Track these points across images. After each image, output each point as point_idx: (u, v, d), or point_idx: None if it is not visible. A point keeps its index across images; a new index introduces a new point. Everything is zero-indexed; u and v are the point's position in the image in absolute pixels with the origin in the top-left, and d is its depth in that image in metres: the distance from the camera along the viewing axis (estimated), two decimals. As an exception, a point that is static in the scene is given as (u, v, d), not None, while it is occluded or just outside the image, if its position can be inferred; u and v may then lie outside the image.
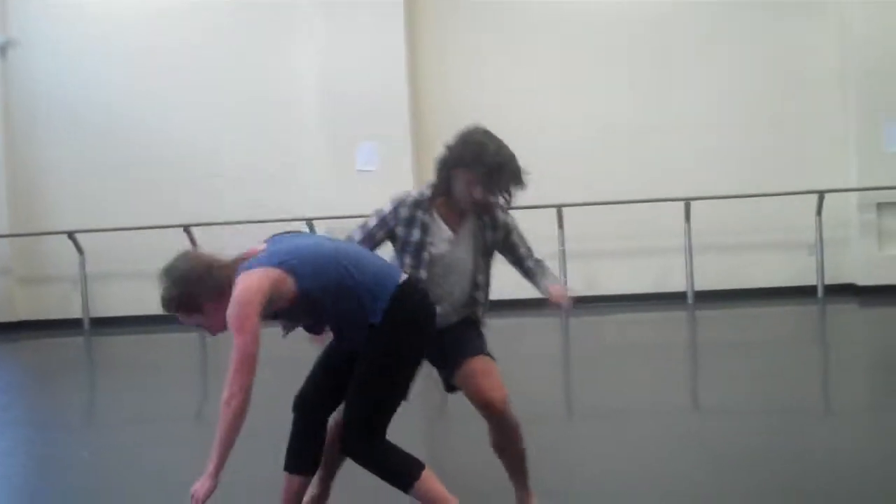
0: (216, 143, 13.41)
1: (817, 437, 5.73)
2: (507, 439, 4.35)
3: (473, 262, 4.43)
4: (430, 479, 3.86)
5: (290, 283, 3.80)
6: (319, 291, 3.83)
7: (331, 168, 12.94)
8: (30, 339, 12.98)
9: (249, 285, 3.75)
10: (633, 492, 4.75)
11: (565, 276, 12.65)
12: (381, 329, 3.86)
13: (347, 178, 12.78)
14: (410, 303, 3.94)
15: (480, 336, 4.47)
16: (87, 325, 13.34)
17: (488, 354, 4.36)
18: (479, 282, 4.48)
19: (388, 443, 3.87)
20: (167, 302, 3.95)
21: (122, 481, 5.08)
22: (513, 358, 9.47)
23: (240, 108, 13.44)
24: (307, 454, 4.08)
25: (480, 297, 4.50)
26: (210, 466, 3.69)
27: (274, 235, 4.08)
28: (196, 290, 3.87)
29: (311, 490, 4.26)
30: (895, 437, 5.70)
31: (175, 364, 10.62)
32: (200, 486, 3.69)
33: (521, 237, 4.70)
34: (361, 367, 3.90)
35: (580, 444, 5.87)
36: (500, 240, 4.56)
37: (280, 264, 3.81)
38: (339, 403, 4.07)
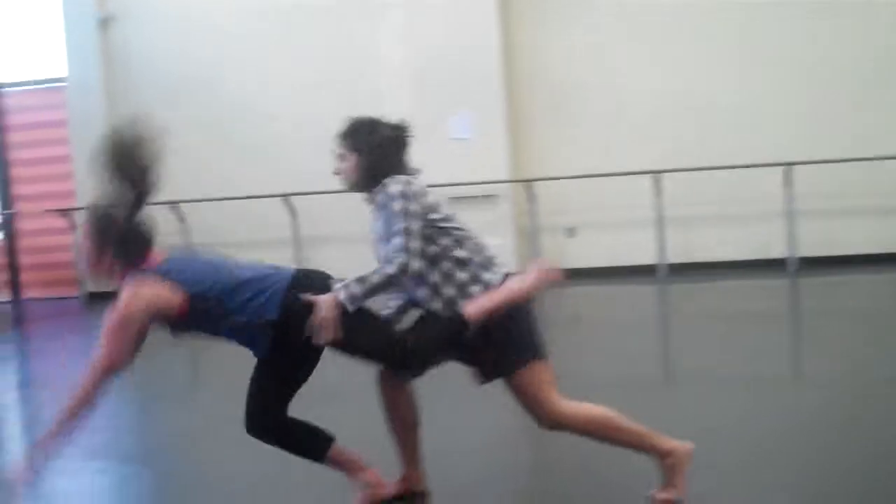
0: (310, 113, 13.52)
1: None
2: None
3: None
4: (339, 450, 4.02)
5: (175, 295, 3.84)
6: (203, 296, 3.85)
7: (424, 136, 12.92)
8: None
9: (137, 294, 3.81)
10: (733, 459, 4.70)
11: (663, 243, 12.55)
12: (282, 325, 3.86)
13: (440, 146, 12.81)
14: (310, 289, 3.90)
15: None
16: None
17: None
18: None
19: (292, 419, 3.98)
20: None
21: (230, 448, 5.16)
22: (610, 325, 9.50)
23: (333, 76, 13.54)
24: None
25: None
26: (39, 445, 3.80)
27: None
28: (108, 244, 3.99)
29: (404, 471, 4.32)
30: None
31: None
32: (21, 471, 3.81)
33: (395, 220, 4.02)
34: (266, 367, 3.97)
35: (679, 410, 5.83)
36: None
37: (163, 275, 3.88)
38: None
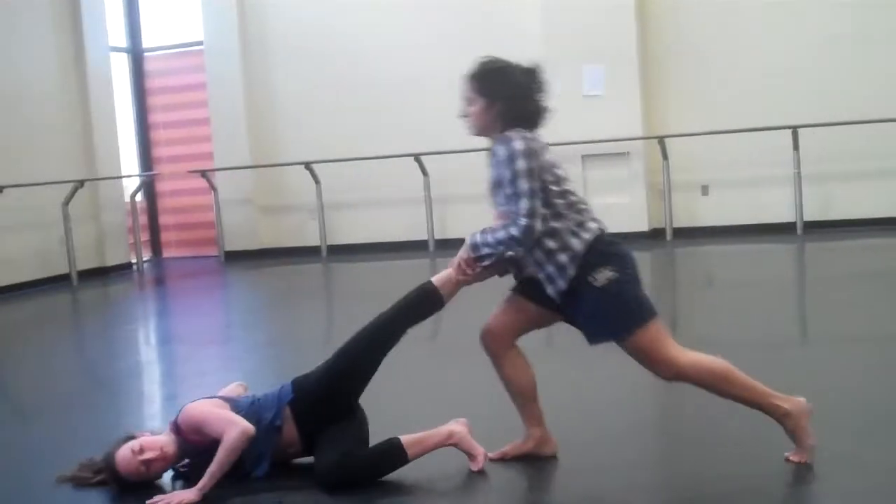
0: (442, 72, 13.52)
1: None
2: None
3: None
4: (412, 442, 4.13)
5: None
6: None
7: (556, 92, 12.83)
8: (271, 265, 13.61)
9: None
10: (867, 420, 4.60)
11: (800, 200, 12.25)
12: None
13: (573, 102, 12.70)
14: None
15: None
16: (324, 252, 13.87)
17: None
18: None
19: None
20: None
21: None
22: (743, 285, 9.34)
23: (463, 35, 13.51)
24: None
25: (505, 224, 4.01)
26: (202, 482, 3.98)
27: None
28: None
29: (531, 433, 4.30)
30: None
31: (404, 288, 10.93)
32: (185, 494, 3.96)
33: (512, 180, 3.97)
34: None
35: (812, 371, 5.71)
36: (495, 179, 4.09)
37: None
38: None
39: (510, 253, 4.04)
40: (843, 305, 7.80)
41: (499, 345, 4.22)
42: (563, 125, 12.67)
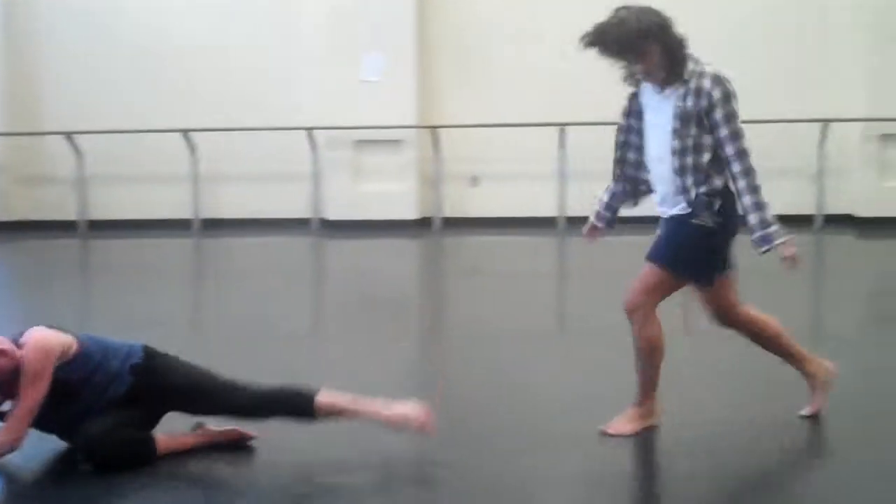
0: (218, 49, 13.23)
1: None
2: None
3: (671, 128, 4.28)
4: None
5: (71, 342, 4.09)
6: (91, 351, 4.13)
7: (333, 77, 12.80)
8: (27, 238, 12.95)
9: (47, 336, 4.03)
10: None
11: (563, 196, 12.62)
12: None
13: (349, 88, 12.67)
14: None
15: (667, 242, 4.40)
16: (83, 227, 13.32)
17: (657, 261, 4.38)
18: (676, 148, 4.28)
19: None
20: None
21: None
22: (507, 275, 9.55)
23: (242, 13, 13.26)
24: None
25: (688, 180, 4.27)
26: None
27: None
28: None
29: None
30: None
31: (170, 269, 10.65)
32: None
33: (728, 120, 4.21)
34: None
35: (568, 360, 5.88)
36: (702, 111, 4.22)
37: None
38: None
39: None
40: (599, 298, 8.07)
41: (638, 308, 4.41)
42: (338, 110, 12.74)
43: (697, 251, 4.31)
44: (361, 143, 12.89)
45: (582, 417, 4.62)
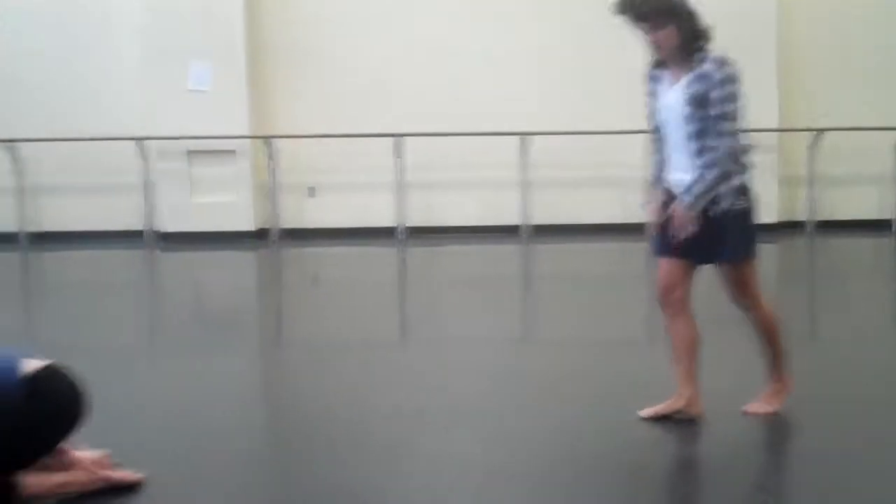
0: (43, 56, 12.75)
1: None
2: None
3: (684, 114, 4.39)
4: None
5: None
6: None
7: (160, 86, 12.47)
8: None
9: None
10: (457, 414, 4.77)
11: (402, 206, 12.65)
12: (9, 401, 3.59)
13: (178, 96, 12.39)
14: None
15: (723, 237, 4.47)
16: (22, 240, 12.62)
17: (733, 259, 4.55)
18: (691, 133, 4.38)
19: None
20: None
21: None
22: (347, 286, 9.52)
23: (57, 14, 12.77)
24: None
25: (705, 159, 4.35)
26: None
27: None
28: None
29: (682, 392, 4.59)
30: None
31: (116, 282, 10.27)
32: None
33: (724, 101, 4.33)
34: None
35: (410, 368, 5.87)
36: (701, 94, 4.34)
37: None
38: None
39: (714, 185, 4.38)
40: (440, 307, 8.11)
41: (675, 302, 4.60)
42: (168, 119, 12.43)
43: (748, 231, 4.54)
44: (194, 154, 12.63)
45: (419, 428, 4.61)
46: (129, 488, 3.82)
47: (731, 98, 4.34)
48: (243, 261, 11.93)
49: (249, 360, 6.67)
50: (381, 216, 12.89)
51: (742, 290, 4.61)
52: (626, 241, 11.40)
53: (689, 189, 4.40)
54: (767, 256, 9.73)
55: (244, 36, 12.65)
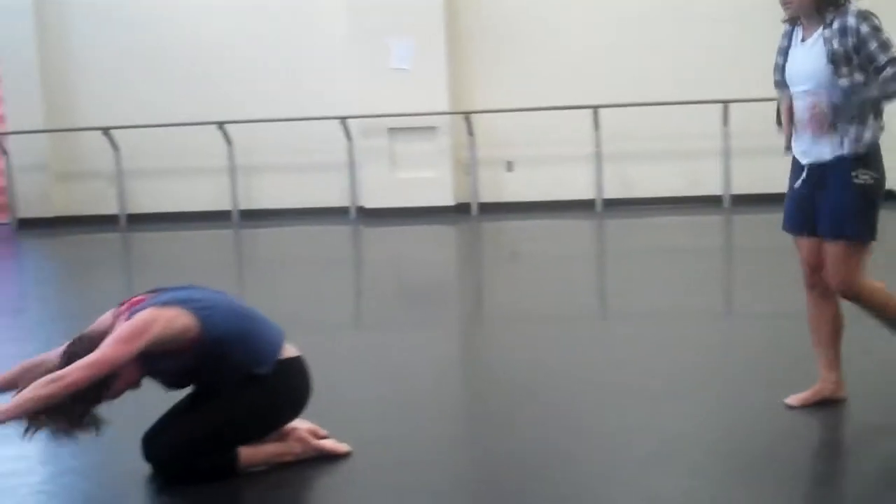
0: (249, 40, 13.29)
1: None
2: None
3: (815, 69, 4.19)
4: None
5: (191, 327, 3.72)
6: (222, 339, 3.76)
7: (363, 66, 12.82)
8: (66, 234, 13.10)
9: (144, 317, 3.67)
10: (663, 390, 4.77)
11: (600, 178, 12.62)
12: (265, 380, 3.83)
13: (380, 75, 12.69)
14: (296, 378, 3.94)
15: (836, 206, 4.23)
16: (122, 221, 13.45)
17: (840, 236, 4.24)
18: (820, 81, 4.19)
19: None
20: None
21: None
22: (546, 259, 9.56)
23: (270, 6, 13.29)
24: None
25: (842, 115, 4.15)
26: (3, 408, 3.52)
27: (158, 287, 3.98)
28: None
29: (829, 379, 4.45)
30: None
31: (211, 260, 10.73)
32: None
33: (884, 49, 4.07)
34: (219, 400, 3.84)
35: (612, 344, 5.89)
36: (850, 49, 4.11)
37: (180, 303, 3.76)
38: None
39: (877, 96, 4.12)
40: (639, 280, 8.07)
41: (816, 282, 4.42)
42: (371, 98, 12.76)
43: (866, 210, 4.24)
44: (396, 131, 12.91)
45: (627, 405, 4.63)
46: (338, 458, 4.00)
47: (890, 45, 4.08)
48: (443, 235, 12.13)
49: (451, 333, 6.82)
50: (579, 189, 12.88)
51: (847, 276, 4.25)
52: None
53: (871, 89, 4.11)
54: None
55: (444, 13, 12.83)
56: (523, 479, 3.76)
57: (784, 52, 4.41)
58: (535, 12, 12.97)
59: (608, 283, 8.69)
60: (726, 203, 12.40)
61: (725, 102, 12.22)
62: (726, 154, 12.39)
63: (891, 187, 4.46)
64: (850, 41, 4.11)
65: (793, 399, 4.46)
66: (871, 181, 4.18)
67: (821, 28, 4.21)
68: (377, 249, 11.61)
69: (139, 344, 3.62)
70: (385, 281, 9.14)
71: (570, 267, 9.12)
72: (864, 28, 4.09)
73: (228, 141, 13.18)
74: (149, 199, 13.59)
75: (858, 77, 4.12)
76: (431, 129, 12.84)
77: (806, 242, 4.42)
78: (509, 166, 13.24)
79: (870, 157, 4.18)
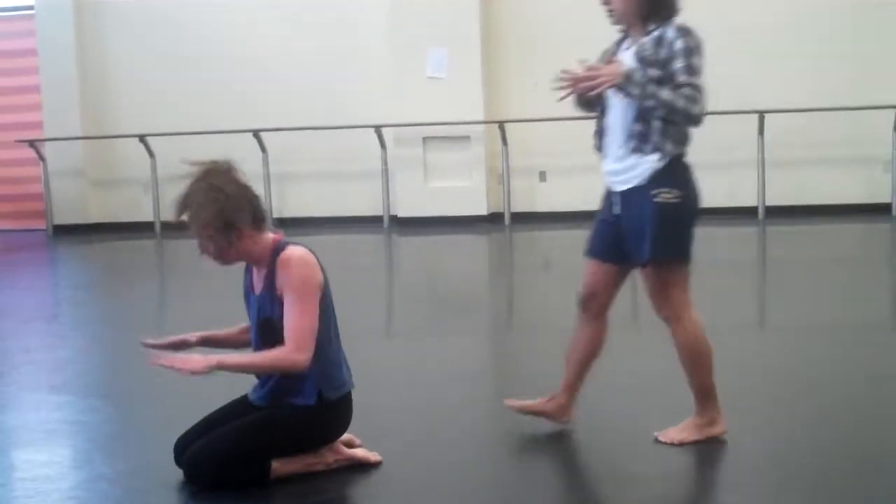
0: (285, 48, 13.36)
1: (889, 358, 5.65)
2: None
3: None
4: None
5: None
6: (321, 331, 3.79)
7: (399, 75, 12.86)
8: (102, 240, 13.21)
9: (312, 264, 3.77)
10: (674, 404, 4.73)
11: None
12: (307, 412, 3.79)
13: (416, 84, 12.72)
14: (345, 412, 3.92)
15: (639, 228, 4.05)
16: (158, 228, 13.54)
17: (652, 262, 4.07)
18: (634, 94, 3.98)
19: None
20: (202, 207, 3.94)
21: (196, 381, 5.18)
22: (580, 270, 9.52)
23: (309, 11, 13.35)
24: None
25: (644, 130, 4.02)
26: (218, 359, 3.68)
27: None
28: (241, 210, 3.88)
29: (559, 398, 4.32)
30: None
31: (240, 268, 10.76)
32: (196, 362, 3.65)
33: (689, 71, 3.90)
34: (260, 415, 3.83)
35: (640, 354, 5.85)
36: (661, 60, 3.95)
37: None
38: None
39: (651, 104, 3.94)
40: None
41: (597, 307, 4.32)
42: (406, 106, 12.79)
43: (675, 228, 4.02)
44: (430, 140, 12.93)
45: (656, 414, 4.60)
46: (369, 467, 3.99)
47: (698, 71, 3.91)
48: (476, 245, 12.13)
49: (483, 341, 6.82)
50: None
51: (662, 298, 4.11)
52: None
53: (644, 74, 3.92)
54: None
55: (479, 23, 12.84)
56: (558, 490, 3.74)
57: (605, 56, 4.26)
58: (570, 22, 12.91)
59: (640, 293, 8.63)
60: (761, 214, 12.32)
61: (761, 112, 12.14)
62: (762, 165, 12.31)
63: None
64: (663, 52, 3.94)
65: (511, 402, 4.36)
66: (675, 199, 3.99)
67: (637, 41, 4.06)
68: (410, 258, 11.62)
69: (317, 294, 3.74)
70: (418, 290, 9.15)
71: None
72: (680, 44, 3.93)
73: (263, 149, 13.24)
74: (183, 206, 13.65)
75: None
76: (465, 138, 12.85)
77: (593, 265, 4.31)
78: (542, 176, 13.22)
79: (672, 175, 4.00)
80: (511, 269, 10.61)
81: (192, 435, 3.90)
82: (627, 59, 4.05)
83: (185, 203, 3.83)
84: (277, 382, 3.83)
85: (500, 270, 10.59)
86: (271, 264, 3.81)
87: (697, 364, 4.11)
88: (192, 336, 3.95)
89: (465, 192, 12.88)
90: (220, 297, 8.77)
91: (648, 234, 3.99)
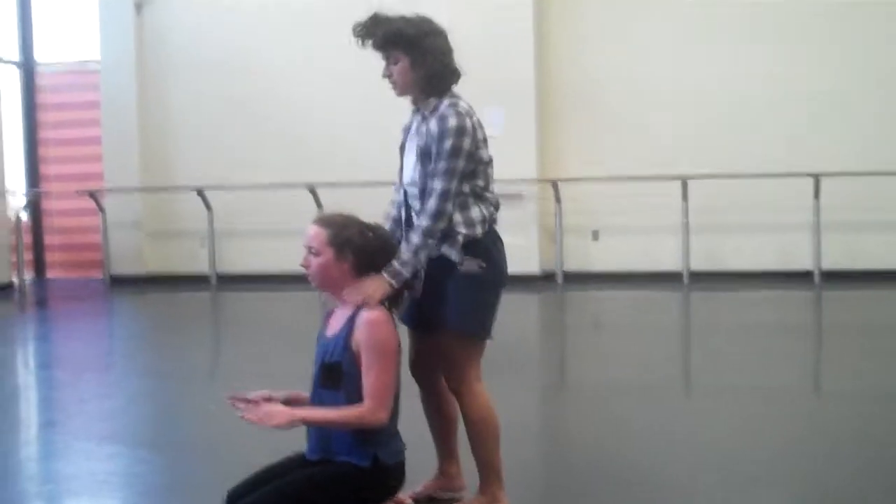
0: (340, 102, 13.51)
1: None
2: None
3: (408, 162, 4.00)
4: None
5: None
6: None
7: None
8: (157, 291, 13.35)
9: (393, 326, 3.72)
10: (749, 473, 4.68)
11: (687, 250, 12.49)
12: (360, 473, 3.73)
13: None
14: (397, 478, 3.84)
15: (441, 297, 3.92)
16: (213, 280, 13.67)
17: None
18: (415, 178, 3.94)
19: None
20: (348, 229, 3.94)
21: (246, 433, 5.21)
22: (630, 330, 9.48)
23: (360, 67, 13.46)
24: None
25: (422, 206, 3.90)
26: (302, 415, 3.66)
27: None
28: (373, 254, 3.89)
29: (445, 470, 4.28)
30: None
31: (294, 321, 10.84)
32: (278, 415, 3.63)
33: (442, 157, 3.84)
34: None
35: (695, 419, 5.80)
36: (427, 139, 3.91)
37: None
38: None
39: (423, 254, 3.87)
40: (725, 355, 7.95)
41: (428, 377, 4.18)
42: (460, 164, 12.85)
43: (473, 301, 3.96)
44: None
45: (713, 477, 4.55)
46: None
47: (454, 154, 3.84)
48: (528, 303, 12.10)
49: (532, 401, 6.79)
50: (665, 260, 12.79)
51: (452, 370, 3.98)
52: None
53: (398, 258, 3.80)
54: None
55: (534, 82, 12.93)
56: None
57: (405, 132, 4.14)
58: (625, 82, 13.01)
59: (692, 356, 8.58)
60: (817, 279, 12.19)
61: (817, 175, 12.07)
62: (817, 228, 12.20)
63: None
64: (433, 131, 3.87)
65: (410, 493, 4.13)
66: (478, 270, 3.93)
67: (425, 120, 3.93)
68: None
69: (395, 358, 3.69)
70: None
71: (655, 339, 9.03)
72: (444, 125, 3.85)
73: (318, 203, 13.36)
74: (239, 260, 13.81)
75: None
76: (518, 196, 12.87)
77: (414, 335, 4.18)
78: (595, 235, 13.21)
79: (476, 245, 3.94)
80: (563, 328, 10.56)
81: (241, 489, 3.90)
82: (410, 144, 4.06)
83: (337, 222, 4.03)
84: (334, 439, 3.84)
85: (551, 329, 10.55)
86: (355, 311, 3.81)
87: (484, 438, 4.01)
88: (278, 393, 3.97)
89: (517, 251, 12.76)
90: (274, 350, 8.87)
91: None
